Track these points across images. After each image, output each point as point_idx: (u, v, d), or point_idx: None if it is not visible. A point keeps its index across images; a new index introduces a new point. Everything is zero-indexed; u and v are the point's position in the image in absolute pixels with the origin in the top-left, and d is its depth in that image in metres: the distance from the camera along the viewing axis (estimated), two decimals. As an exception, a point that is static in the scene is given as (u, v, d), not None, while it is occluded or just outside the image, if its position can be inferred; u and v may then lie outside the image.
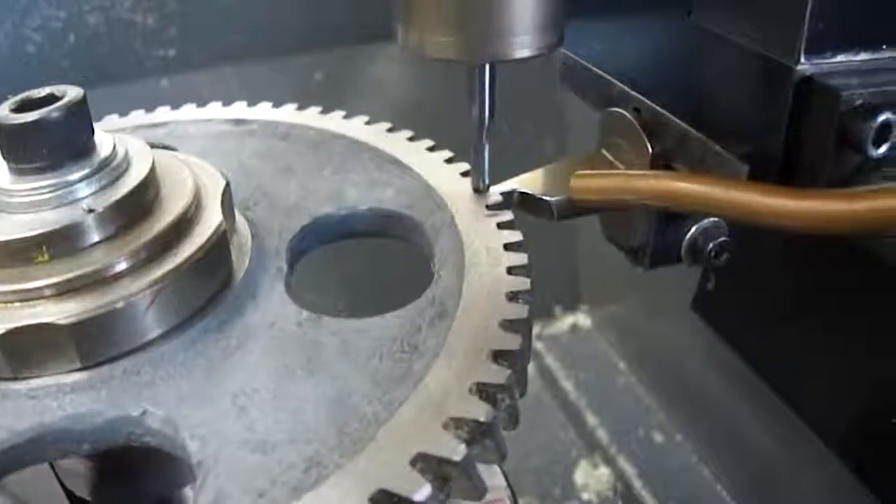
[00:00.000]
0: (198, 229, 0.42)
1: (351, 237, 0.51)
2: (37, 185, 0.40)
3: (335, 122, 0.59)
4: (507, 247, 0.45)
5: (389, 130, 0.57)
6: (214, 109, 0.62)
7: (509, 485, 0.60)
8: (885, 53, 0.42)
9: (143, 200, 0.42)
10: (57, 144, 0.40)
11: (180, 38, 1.06)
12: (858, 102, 0.40)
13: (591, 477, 1.13)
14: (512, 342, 0.38)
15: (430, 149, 0.54)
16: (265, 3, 1.08)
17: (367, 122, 0.58)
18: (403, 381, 0.37)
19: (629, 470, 1.10)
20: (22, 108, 0.40)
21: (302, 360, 0.39)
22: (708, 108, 0.47)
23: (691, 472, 1.07)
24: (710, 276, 0.93)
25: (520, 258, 0.44)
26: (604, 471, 1.13)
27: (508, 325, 0.39)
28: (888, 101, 0.40)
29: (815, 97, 0.41)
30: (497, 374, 0.36)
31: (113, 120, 0.62)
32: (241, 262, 0.45)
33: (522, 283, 0.42)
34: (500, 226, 0.46)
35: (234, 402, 0.36)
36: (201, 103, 0.63)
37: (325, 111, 0.60)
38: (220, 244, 0.43)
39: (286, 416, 0.36)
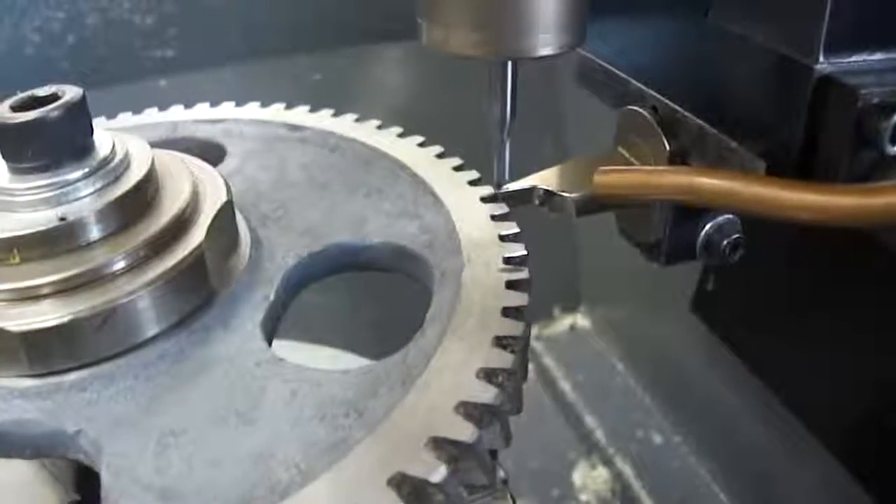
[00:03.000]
0: (176, 248, 0.41)
1: (360, 270, 0.48)
2: (32, 185, 0.40)
3: (388, 140, 0.57)
4: (505, 311, 0.40)
5: (439, 156, 0.54)
6: (275, 111, 0.61)
7: (508, 486, 0.60)
8: (902, 53, 0.43)
9: (127, 210, 0.41)
10: (52, 144, 0.40)
11: (179, 39, 1.06)
12: (876, 101, 0.40)
13: (589, 478, 1.13)
14: (463, 431, 0.33)
15: (473, 182, 0.51)
16: (263, 3, 1.08)
17: (421, 144, 0.56)
18: (332, 451, 0.34)
19: (627, 471, 1.11)
20: (21, 107, 0.40)
21: (243, 406, 0.37)
22: (725, 105, 0.48)
23: (689, 473, 1.08)
24: (709, 278, 0.94)
25: (513, 327, 0.39)
26: (602, 472, 1.13)
27: (469, 409, 0.34)
28: (905, 99, 0.41)
29: (833, 96, 0.42)
30: (430, 469, 0.32)
31: (178, 111, 0.62)
32: (227, 284, 0.43)
33: (503, 359, 0.37)
34: (509, 285, 0.42)
35: (159, 440, 0.35)
36: (265, 103, 0.62)
37: (382, 126, 0.58)
38: (193, 268, 0.41)
39: (200, 467, 0.34)
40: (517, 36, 0.43)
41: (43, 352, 0.38)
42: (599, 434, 1.16)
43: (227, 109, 0.62)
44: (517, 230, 0.46)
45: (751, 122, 0.46)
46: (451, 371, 0.36)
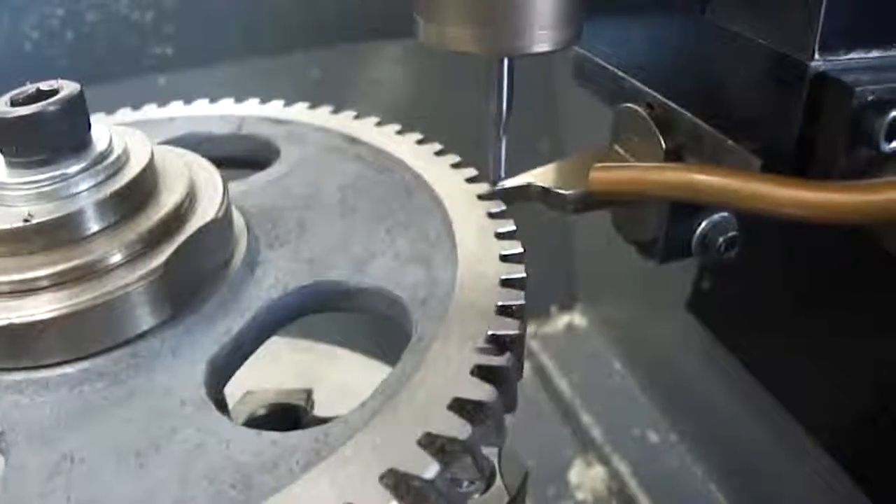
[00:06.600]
0: (139, 264, 0.40)
1: (345, 311, 0.45)
2: (25, 180, 0.40)
3: (438, 169, 0.52)
4: (456, 404, 0.34)
5: (481, 197, 0.49)
6: (340, 119, 0.58)
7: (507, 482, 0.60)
8: (897, 51, 0.43)
9: (110, 214, 0.40)
10: (47, 139, 0.40)
11: (178, 36, 1.06)
12: (871, 98, 0.41)
13: (585, 476, 1.13)
14: None
15: (500, 235, 0.45)
16: (262, 0, 1.08)
17: (470, 179, 0.51)
18: None
19: (624, 469, 1.11)
20: (23, 101, 0.40)
21: (146, 447, 0.35)
22: (721, 103, 0.48)
23: (686, 471, 1.08)
24: (706, 276, 0.94)
25: (456, 427, 0.33)
26: (598, 470, 1.13)
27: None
28: (900, 97, 0.41)
29: (828, 93, 0.42)
30: None
31: (252, 104, 0.61)
32: (195, 308, 0.41)
33: (427, 466, 0.31)
34: (477, 371, 0.36)
35: (57, 463, 0.34)
36: (336, 108, 0.60)
37: (441, 153, 0.54)
38: (151, 289, 0.39)
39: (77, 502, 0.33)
40: (513, 33, 0.44)
41: None
42: (596, 432, 1.16)
43: (298, 110, 0.60)
44: (522, 301, 0.40)
45: (747, 120, 0.46)
46: (360, 464, 0.32)
